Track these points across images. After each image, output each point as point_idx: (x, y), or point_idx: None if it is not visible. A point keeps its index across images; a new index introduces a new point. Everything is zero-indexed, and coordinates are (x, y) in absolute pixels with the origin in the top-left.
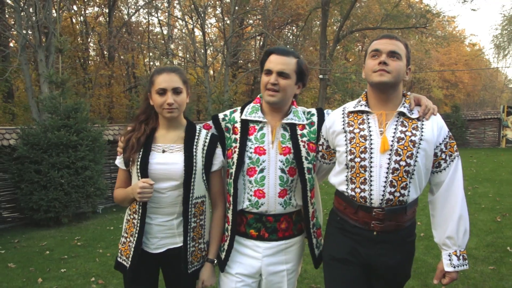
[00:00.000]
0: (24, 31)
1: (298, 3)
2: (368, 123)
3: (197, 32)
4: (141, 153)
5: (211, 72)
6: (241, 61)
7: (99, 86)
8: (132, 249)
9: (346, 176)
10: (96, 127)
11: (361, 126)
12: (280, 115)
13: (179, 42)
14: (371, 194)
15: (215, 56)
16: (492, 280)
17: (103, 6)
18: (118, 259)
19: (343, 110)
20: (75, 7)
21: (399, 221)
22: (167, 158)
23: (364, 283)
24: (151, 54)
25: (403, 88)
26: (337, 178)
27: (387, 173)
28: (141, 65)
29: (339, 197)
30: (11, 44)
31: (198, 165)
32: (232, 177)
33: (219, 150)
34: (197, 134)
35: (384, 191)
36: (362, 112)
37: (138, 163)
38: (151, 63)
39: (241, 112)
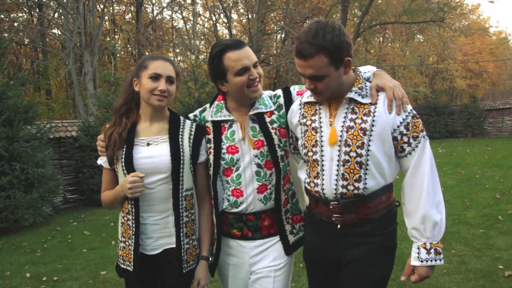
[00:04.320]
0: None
1: None
2: (320, 113)
3: (218, 27)
4: (124, 148)
5: None
6: (263, 55)
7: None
8: (132, 252)
9: (306, 170)
10: None
11: (313, 118)
12: (247, 108)
13: (202, 37)
14: (323, 189)
15: None
16: (480, 239)
17: (129, 5)
18: (121, 265)
19: (300, 100)
20: (101, 6)
21: (360, 213)
22: (152, 151)
23: (331, 284)
24: (177, 50)
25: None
26: (300, 170)
27: (338, 165)
28: None
29: (305, 190)
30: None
31: (185, 155)
32: (211, 179)
33: (205, 141)
34: (181, 124)
35: (336, 184)
36: (316, 102)
37: (123, 159)
38: (177, 58)
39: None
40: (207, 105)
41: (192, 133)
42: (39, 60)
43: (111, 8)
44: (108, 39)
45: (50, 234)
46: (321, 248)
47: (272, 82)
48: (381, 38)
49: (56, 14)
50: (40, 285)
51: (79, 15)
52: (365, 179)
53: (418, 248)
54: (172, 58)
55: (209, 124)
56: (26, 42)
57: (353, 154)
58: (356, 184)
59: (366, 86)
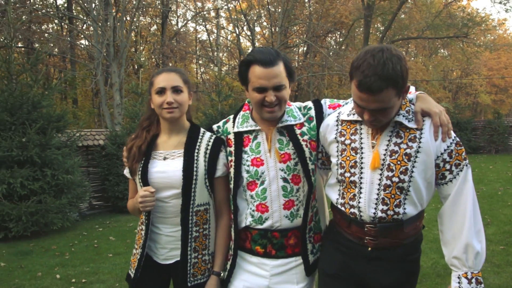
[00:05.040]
0: (99, 46)
1: (341, 12)
2: (361, 133)
3: (241, 40)
4: (143, 161)
5: None
6: None
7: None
8: (137, 261)
9: (339, 190)
10: None
11: (353, 137)
12: (274, 120)
13: (224, 49)
14: (360, 211)
15: None
16: (499, 255)
17: (155, 17)
18: (129, 271)
19: (337, 116)
20: (128, 17)
21: (395, 238)
22: (167, 166)
23: None
24: (200, 61)
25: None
26: (331, 190)
27: (378, 189)
28: (193, 72)
29: (333, 209)
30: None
31: (199, 170)
32: (231, 193)
33: (223, 154)
34: (200, 137)
35: (375, 209)
36: (356, 121)
37: (139, 172)
38: (201, 69)
39: (233, 122)
40: (231, 117)
41: (209, 147)
42: (67, 70)
43: (137, 20)
44: (133, 49)
45: (77, 239)
46: (345, 264)
47: (293, 95)
48: (404, 52)
49: (85, 26)
50: (70, 286)
51: (108, 27)
52: (404, 204)
53: (458, 278)
54: (195, 70)
55: (231, 136)
56: (55, 53)
57: (395, 179)
58: (396, 210)
59: (412, 109)
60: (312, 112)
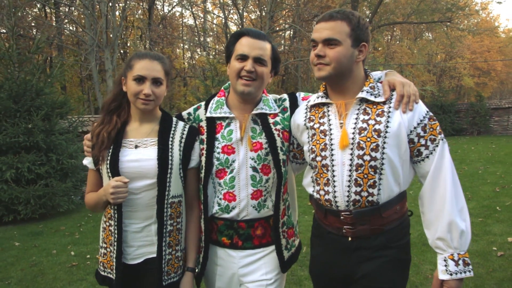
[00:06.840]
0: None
1: None
2: (329, 115)
3: (229, 24)
4: (111, 150)
5: None
6: None
7: None
8: (115, 260)
9: (312, 177)
10: None
11: (321, 120)
12: (250, 107)
13: (210, 33)
14: (335, 197)
15: None
16: (478, 226)
17: (141, 1)
18: (102, 273)
19: (307, 104)
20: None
21: (374, 224)
22: (140, 154)
23: None
24: (186, 46)
25: (366, 67)
26: (306, 180)
27: (350, 170)
28: (180, 57)
29: (311, 201)
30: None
31: (174, 160)
32: (202, 182)
33: (198, 144)
34: (173, 126)
35: (348, 191)
36: (324, 104)
37: (108, 161)
38: (188, 54)
39: (206, 109)
40: (202, 103)
41: (184, 136)
42: (59, 57)
43: (128, 6)
44: (118, 34)
45: (84, 220)
46: (330, 263)
47: (281, 79)
48: (389, 36)
49: (71, 10)
50: (86, 261)
51: (102, 14)
52: (380, 184)
53: (445, 260)
54: (182, 55)
55: (203, 124)
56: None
57: (367, 157)
58: (370, 190)
59: (378, 86)
60: (287, 103)
